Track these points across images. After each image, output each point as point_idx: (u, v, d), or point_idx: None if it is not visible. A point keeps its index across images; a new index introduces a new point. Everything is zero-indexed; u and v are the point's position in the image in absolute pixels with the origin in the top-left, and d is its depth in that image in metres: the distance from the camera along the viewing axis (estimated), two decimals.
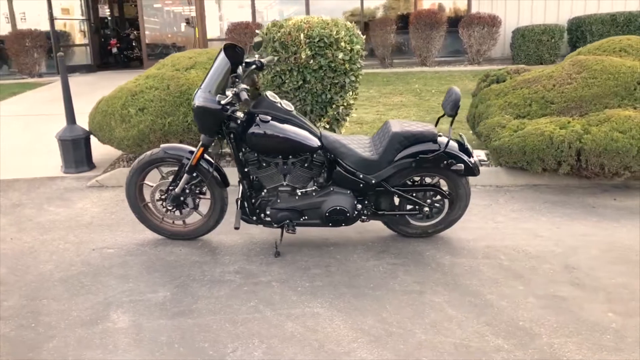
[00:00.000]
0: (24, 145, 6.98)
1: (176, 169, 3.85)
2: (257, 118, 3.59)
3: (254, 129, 3.57)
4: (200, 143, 3.70)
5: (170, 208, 3.91)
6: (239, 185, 3.84)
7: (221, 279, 3.53)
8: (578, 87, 5.22)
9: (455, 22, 13.48)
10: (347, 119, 5.52)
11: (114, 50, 16.97)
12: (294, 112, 3.71)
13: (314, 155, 3.72)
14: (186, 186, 3.85)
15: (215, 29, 15.14)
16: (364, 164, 3.71)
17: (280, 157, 3.70)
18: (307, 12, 14.06)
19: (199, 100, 3.51)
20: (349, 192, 3.78)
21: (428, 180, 3.95)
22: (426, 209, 3.89)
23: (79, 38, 15.46)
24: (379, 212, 3.89)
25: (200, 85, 3.55)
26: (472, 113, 6.08)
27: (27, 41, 13.46)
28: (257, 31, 5.32)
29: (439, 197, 3.90)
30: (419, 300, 3.25)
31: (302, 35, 4.90)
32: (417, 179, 3.95)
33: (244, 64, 3.69)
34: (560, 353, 2.75)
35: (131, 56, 17.28)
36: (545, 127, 4.90)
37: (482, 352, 2.77)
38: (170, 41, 15.83)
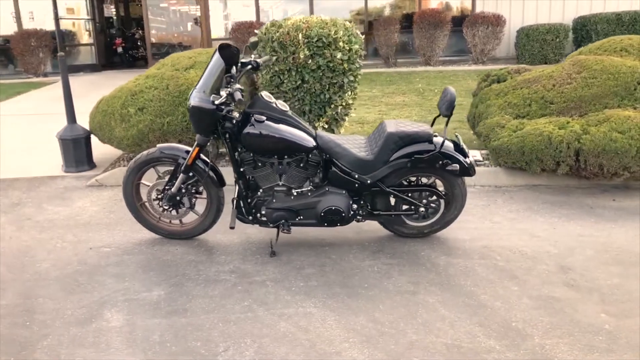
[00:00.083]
0: (26, 144, 7.03)
1: (172, 168, 3.87)
2: (252, 118, 3.60)
3: (249, 129, 3.58)
4: (196, 143, 3.72)
5: (166, 207, 3.93)
6: (236, 185, 3.86)
7: (216, 278, 3.54)
8: (578, 87, 5.20)
9: (459, 21, 13.45)
10: (346, 118, 5.53)
11: (119, 49, 17.03)
12: (289, 112, 3.72)
13: (309, 155, 3.73)
14: (182, 186, 3.86)
15: (219, 28, 15.17)
16: (359, 164, 3.71)
17: (275, 157, 3.71)
18: (311, 12, 14.07)
19: (194, 100, 3.53)
20: (344, 192, 3.78)
21: (424, 180, 3.95)
22: (422, 209, 3.88)
23: (84, 38, 15.54)
24: (375, 212, 3.89)
25: (196, 86, 3.56)
26: (473, 113, 6.07)
27: (33, 41, 13.54)
28: (255, 31, 5.34)
29: (434, 197, 3.90)
30: (412, 300, 3.25)
31: (300, 35, 4.91)
32: (413, 179, 3.95)
33: (239, 64, 3.71)
34: (552, 354, 2.74)
35: (136, 56, 17.34)
36: (544, 127, 4.89)
37: (473, 353, 2.77)
38: (176, 41, 15.89)
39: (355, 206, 3.82)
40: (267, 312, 3.14)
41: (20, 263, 3.80)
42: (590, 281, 3.42)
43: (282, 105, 3.72)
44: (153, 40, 15.05)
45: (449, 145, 3.75)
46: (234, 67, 3.60)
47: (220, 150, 5.48)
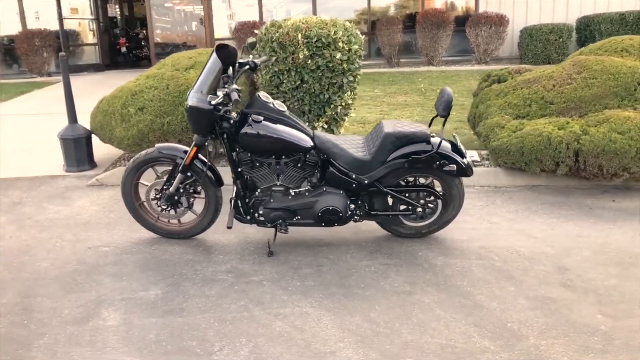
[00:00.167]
0: (27, 143, 7.06)
1: (171, 168, 3.88)
2: (250, 118, 3.61)
3: (246, 129, 3.60)
4: (194, 143, 3.73)
5: (164, 207, 3.95)
6: (234, 185, 3.87)
7: (213, 278, 3.55)
8: (578, 88, 5.19)
9: (462, 21, 13.43)
10: (346, 118, 5.53)
11: (123, 49, 17.09)
12: (287, 112, 3.73)
13: (307, 156, 3.74)
14: (180, 185, 3.88)
15: (223, 28, 15.19)
16: (356, 164, 3.72)
17: (273, 157, 3.72)
18: (314, 12, 14.08)
19: (191, 100, 3.54)
20: (341, 192, 3.79)
21: (422, 180, 3.96)
22: (419, 209, 3.89)
23: (87, 37, 15.60)
24: (372, 213, 3.90)
25: (193, 86, 3.58)
26: (473, 113, 6.06)
27: (37, 40, 13.61)
28: (255, 31, 5.35)
29: (432, 197, 3.90)
30: (408, 300, 3.26)
31: (299, 35, 4.92)
32: (410, 179, 3.95)
33: (237, 65, 3.72)
34: (546, 355, 2.74)
35: (140, 55, 17.40)
36: (544, 127, 4.88)
37: (467, 353, 2.77)
38: (180, 40, 15.92)
39: (352, 206, 3.83)
40: (263, 312, 3.16)
41: (20, 262, 3.83)
42: (586, 282, 3.42)
43: (279, 105, 3.73)
44: (157, 40, 15.08)
45: (446, 145, 3.75)
46: (231, 68, 3.61)
47: (220, 150, 5.49)
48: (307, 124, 5.26)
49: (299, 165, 3.75)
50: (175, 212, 3.99)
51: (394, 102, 9.02)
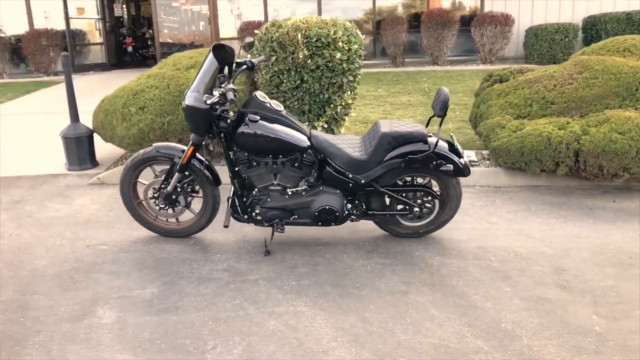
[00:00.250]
0: (31, 142, 7.11)
1: (168, 167, 3.90)
2: (247, 118, 3.62)
3: (242, 129, 3.61)
4: (191, 142, 3.75)
5: (162, 206, 3.96)
6: (232, 184, 3.88)
7: (209, 276, 3.57)
8: (579, 88, 5.17)
9: (467, 21, 13.38)
10: (347, 118, 5.53)
11: (129, 49, 17.15)
12: (284, 112, 3.74)
13: (304, 155, 3.74)
14: (178, 185, 3.90)
15: (228, 28, 15.21)
16: (353, 163, 3.72)
17: (269, 156, 3.73)
18: (319, 12, 14.08)
19: (188, 100, 3.56)
20: (338, 191, 3.79)
21: (419, 180, 3.95)
22: (416, 209, 3.89)
23: (94, 37, 15.66)
24: (370, 212, 3.90)
25: (190, 86, 3.59)
26: (474, 113, 6.05)
27: (43, 40, 13.66)
28: (256, 31, 5.36)
29: (429, 197, 3.90)
30: (402, 300, 3.26)
31: (299, 35, 4.93)
32: (408, 179, 3.95)
33: (235, 64, 3.73)
34: (539, 355, 2.74)
35: (146, 55, 17.46)
36: (544, 127, 4.87)
37: (460, 353, 2.77)
38: (187, 40, 15.94)
39: (349, 206, 3.83)
40: (258, 311, 3.17)
41: (19, 260, 3.86)
42: (583, 282, 3.40)
43: (276, 105, 3.74)
44: (162, 39, 15.12)
45: (443, 145, 3.74)
46: (228, 67, 3.62)
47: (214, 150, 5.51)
48: (307, 123, 5.27)
49: (295, 164, 3.76)
50: (173, 211, 4.01)
51: (397, 102, 9.00)
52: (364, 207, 3.89)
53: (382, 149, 3.69)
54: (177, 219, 4.12)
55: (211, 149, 5.39)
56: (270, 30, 5.11)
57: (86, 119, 5.92)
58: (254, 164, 3.75)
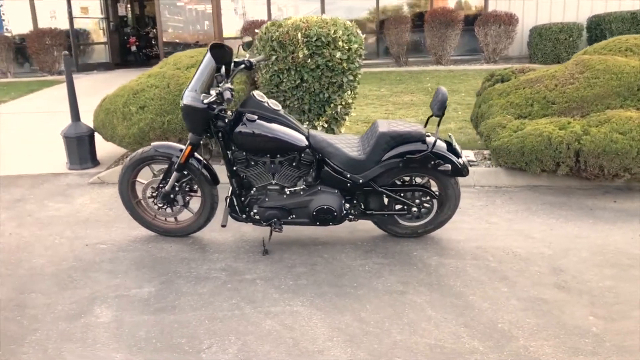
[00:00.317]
0: (33, 141, 7.14)
1: (166, 166, 3.90)
2: (244, 117, 3.62)
3: (240, 128, 3.61)
4: (188, 141, 3.75)
5: (161, 205, 3.97)
6: (230, 183, 3.88)
7: (207, 276, 3.57)
8: (580, 87, 5.15)
9: (471, 20, 13.37)
10: (347, 118, 5.53)
11: (133, 48, 17.19)
12: (281, 112, 3.74)
13: (302, 155, 3.74)
14: (176, 184, 3.90)
15: (231, 27, 15.22)
16: (351, 163, 3.71)
17: (267, 156, 3.72)
18: (323, 11, 14.08)
19: (186, 99, 3.56)
20: (336, 191, 3.78)
21: (418, 180, 3.94)
22: (414, 209, 3.88)
23: (98, 36, 15.70)
24: (368, 212, 3.89)
25: (188, 85, 3.59)
26: (476, 113, 6.03)
27: (47, 39, 13.72)
28: (256, 30, 5.36)
29: (427, 197, 3.89)
30: (399, 300, 3.25)
31: (299, 34, 4.92)
32: (407, 179, 3.94)
33: (233, 64, 3.73)
34: (536, 356, 2.73)
35: (150, 54, 17.48)
36: (544, 127, 4.85)
37: (456, 354, 2.76)
38: (191, 39, 15.96)
39: (347, 205, 3.82)
40: (254, 310, 3.16)
41: (18, 259, 3.87)
42: (581, 283, 3.39)
43: (274, 104, 3.74)
44: (166, 39, 15.14)
45: (441, 145, 3.73)
46: (224, 67, 3.62)
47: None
48: (307, 123, 5.26)
49: (293, 164, 3.76)
50: (172, 210, 4.01)
51: (399, 102, 8.99)
52: (362, 206, 3.88)
53: (380, 148, 3.68)
54: (175, 218, 4.12)
55: (211, 148, 5.39)
56: (270, 30, 5.11)
57: (88, 118, 5.94)
58: (252, 163, 3.75)
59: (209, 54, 3.53)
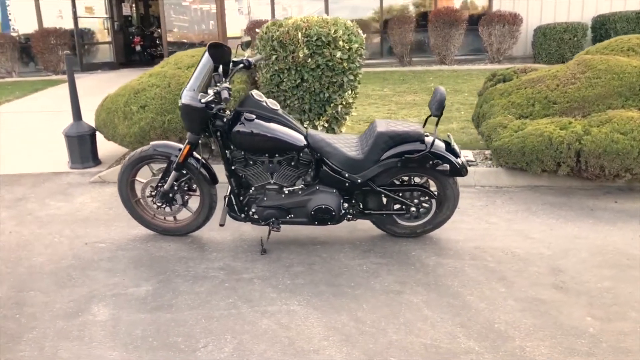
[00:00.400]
0: (36, 140, 7.17)
1: (165, 165, 3.91)
2: (242, 117, 3.63)
3: (238, 127, 3.61)
4: (187, 141, 3.76)
5: (159, 204, 3.98)
6: (228, 182, 3.88)
7: (205, 275, 3.57)
8: (581, 87, 5.13)
9: (475, 20, 13.33)
10: (347, 117, 5.52)
11: (138, 48, 17.24)
12: (280, 111, 3.74)
13: (300, 154, 3.74)
14: (175, 183, 3.91)
15: (235, 26, 15.24)
16: (349, 163, 3.71)
17: (266, 155, 3.72)
18: (327, 11, 14.07)
19: (184, 98, 3.56)
20: (334, 191, 3.78)
21: (417, 180, 3.93)
22: (413, 208, 3.87)
23: (102, 36, 15.75)
24: (366, 212, 3.89)
25: (186, 84, 3.60)
26: (477, 113, 6.01)
27: (52, 39, 13.78)
28: (257, 30, 5.36)
29: (426, 197, 3.88)
30: (396, 300, 3.24)
31: (300, 34, 4.92)
32: (405, 178, 3.94)
33: (231, 63, 3.74)
34: (531, 356, 2.72)
35: (155, 54, 17.52)
36: (545, 127, 4.83)
37: (451, 354, 2.76)
38: (196, 39, 15.97)
39: (346, 205, 3.82)
40: (251, 309, 3.17)
41: (17, 257, 3.88)
42: (580, 284, 3.38)
43: (272, 104, 3.74)
44: (170, 38, 15.17)
45: (439, 145, 3.72)
46: (222, 66, 3.62)
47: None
48: (307, 122, 5.27)
49: (292, 163, 3.76)
50: (171, 209, 4.02)
51: (402, 101, 8.98)
52: (361, 206, 3.88)
53: (379, 148, 3.68)
54: (174, 217, 4.13)
55: (212, 147, 5.40)
56: (270, 29, 5.11)
57: (91, 118, 5.97)
58: (251, 162, 3.76)
59: (206, 54, 3.53)
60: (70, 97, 5.67)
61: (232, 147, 3.73)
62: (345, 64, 5.05)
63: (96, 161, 5.92)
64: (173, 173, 3.85)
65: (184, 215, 4.15)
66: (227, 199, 3.85)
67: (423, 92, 9.79)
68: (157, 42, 17.56)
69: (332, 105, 5.20)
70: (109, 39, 15.78)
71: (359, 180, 3.73)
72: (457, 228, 4.20)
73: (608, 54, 5.56)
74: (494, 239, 4.04)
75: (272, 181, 3.80)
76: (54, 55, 13.90)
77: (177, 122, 5.20)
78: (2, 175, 5.74)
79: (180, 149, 3.85)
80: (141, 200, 4.09)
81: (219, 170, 4.02)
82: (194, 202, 4.08)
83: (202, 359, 2.75)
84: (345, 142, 3.83)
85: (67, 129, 5.75)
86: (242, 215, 3.87)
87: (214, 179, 3.94)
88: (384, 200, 3.92)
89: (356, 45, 5.09)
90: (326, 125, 5.28)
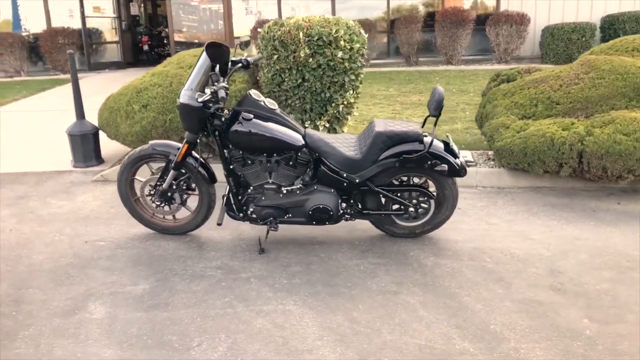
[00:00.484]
0: (40, 139, 7.21)
1: (164, 164, 3.92)
2: (240, 116, 3.63)
3: (236, 127, 3.62)
4: (185, 140, 3.77)
5: (158, 203, 3.99)
6: (227, 181, 3.89)
7: (202, 274, 3.58)
8: (585, 88, 5.09)
9: (482, 20, 13.26)
10: (349, 117, 5.52)
11: (145, 47, 17.30)
12: (278, 111, 3.74)
13: (298, 154, 3.74)
14: (174, 182, 3.92)
15: (242, 26, 15.26)
16: (347, 163, 3.70)
17: (264, 155, 3.72)
18: (334, 11, 14.06)
19: (182, 98, 3.57)
20: (333, 190, 3.78)
21: (416, 180, 3.92)
22: (411, 209, 3.86)
23: (110, 36, 15.82)
24: (365, 212, 3.88)
25: (184, 84, 3.61)
26: (480, 113, 5.99)
27: (60, 39, 13.85)
28: (258, 29, 5.36)
29: (424, 197, 3.86)
30: (392, 300, 3.23)
31: (301, 33, 4.92)
32: (404, 179, 3.92)
33: (230, 63, 3.74)
34: (526, 358, 2.70)
35: (162, 53, 17.57)
36: (548, 128, 4.80)
37: (446, 355, 2.74)
38: (202, 38, 16.01)
39: (344, 205, 3.81)
40: (246, 309, 3.17)
41: (17, 255, 3.91)
42: (578, 285, 3.35)
43: (270, 103, 3.74)
44: (178, 38, 15.21)
45: (438, 145, 3.71)
46: (220, 66, 3.63)
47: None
48: (309, 122, 5.26)
49: (290, 163, 3.76)
50: (170, 208, 4.03)
51: (407, 102, 8.96)
52: (359, 206, 3.87)
53: (377, 148, 3.67)
54: (173, 216, 4.14)
55: (214, 146, 5.40)
56: (272, 29, 5.11)
57: (96, 117, 5.99)
58: (249, 162, 3.76)
59: (204, 53, 3.54)
60: (73, 96, 5.71)
61: (230, 146, 3.74)
62: (346, 64, 5.04)
63: (99, 160, 5.95)
64: (171, 172, 3.86)
65: (183, 214, 4.16)
66: (225, 198, 3.86)
67: (428, 92, 9.74)
68: (165, 41, 17.60)
69: (333, 105, 5.19)
70: (116, 38, 15.84)
71: (357, 180, 3.72)
72: (457, 228, 4.18)
73: (612, 54, 5.52)
74: (493, 239, 4.02)
75: (270, 181, 3.80)
76: (62, 55, 13.96)
77: (179, 122, 5.19)
78: (5, 174, 5.78)
79: (179, 149, 3.86)
80: (140, 199, 4.10)
81: (218, 169, 4.02)
82: (193, 201, 4.09)
83: (196, 358, 2.76)
84: (344, 141, 3.82)
85: (70, 127, 5.78)
86: (241, 214, 3.87)
87: (212, 178, 3.95)
88: (383, 200, 3.91)
89: (358, 45, 5.08)
90: (327, 125, 5.27)
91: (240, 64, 3.76)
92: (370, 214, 3.90)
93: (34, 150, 6.67)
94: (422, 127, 3.81)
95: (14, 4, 14.92)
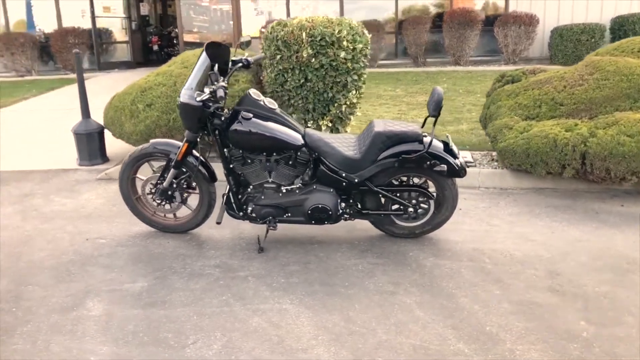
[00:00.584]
0: (47, 137, 7.27)
1: (165, 163, 3.95)
2: (240, 115, 3.64)
3: (235, 126, 3.63)
4: (185, 139, 3.79)
5: (159, 201, 4.01)
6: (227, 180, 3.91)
7: (200, 272, 3.60)
8: (589, 89, 5.06)
9: (491, 21, 13.20)
10: (352, 117, 5.51)
11: (155, 47, 17.39)
12: (277, 110, 3.75)
13: (298, 153, 3.74)
14: (174, 181, 3.94)
15: (251, 27, 15.30)
16: (346, 162, 3.71)
17: (263, 154, 3.74)
18: (341, 12, 14.05)
19: (182, 97, 3.59)
20: (332, 190, 3.78)
21: (415, 180, 3.92)
22: (410, 209, 3.85)
23: (120, 35, 15.92)
24: (364, 212, 3.88)
25: (185, 83, 3.63)
26: (484, 114, 5.96)
27: (71, 38, 13.96)
28: (262, 29, 5.38)
29: (424, 198, 3.86)
30: (389, 300, 3.23)
31: (304, 34, 4.93)
32: (404, 179, 3.92)
33: (230, 62, 3.76)
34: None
35: (172, 53, 17.64)
36: (551, 129, 4.78)
37: (440, 355, 2.74)
38: (212, 39, 16.08)
39: (343, 204, 3.82)
40: (243, 307, 3.18)
41: (19, 252, 3.95)
42: (577, 287, 3.33)
43: (270, 102, 3.75)
44: (187, 38, 15.27)
45: (437, 145, 3.70)
46: (220, 65, 3.64)
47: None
48: (311, 122, 5.27)
49: (290, 162, 3.77)
50: (170, 206, 4.06)
51: (413, 102, 8.94)
52: (359, 206, 3.87)
53: (376, 148, 3.67)
54: (174, 215, 4.17)
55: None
56: (275, 29, 5.13)
57: (102, 116, 6.04)
58: (248, 161, 3.77)
59: (204, 53, 3.56)
60: (79, 95, 5.76)
61: (230, 145, 3.75)
62: (349, 64, 5.05)
63: (104, 158, 6.00)
64: (172, 171, 3.88)
65: (183, 212, 4.19)
66: (225, 197, 3.87)
67: None
68: (175, 41, 17.68)
69: (335, 105, 5.20)
70: (126, 38, 15.95)
71: (356, 180, 3.72)
72: (458, 229, 4.17)
73: (618, 55, 5.48)
74: (494, 240, 4.00)
75: (269, 180, 3.81)
76: (72, 54, 14.02)
77: None
78: (12, 172, 5.84)
79: (179, 147, 3.88)
80: (142, 197, 4.13)
81: (218, 168, 4.04)
82: (194, 200, 4.11)
83: (191, 355, 2.77)
84: (343, 141, 3.83)
85: (76, 126, 5.83)
86: (240, 213, 3.89)
87: (212, 177, 3.97)
88: (382, 200, 3.91)
89: (360, 46, 5.08)
90: (330, 125, 5.28)
91: (240, 64, 3.78)
92: (369, 214, 3.90)
93: (41, 149, 6.73)
94: (422, 127, 3.81)
95: (27, 5, 15.09)
